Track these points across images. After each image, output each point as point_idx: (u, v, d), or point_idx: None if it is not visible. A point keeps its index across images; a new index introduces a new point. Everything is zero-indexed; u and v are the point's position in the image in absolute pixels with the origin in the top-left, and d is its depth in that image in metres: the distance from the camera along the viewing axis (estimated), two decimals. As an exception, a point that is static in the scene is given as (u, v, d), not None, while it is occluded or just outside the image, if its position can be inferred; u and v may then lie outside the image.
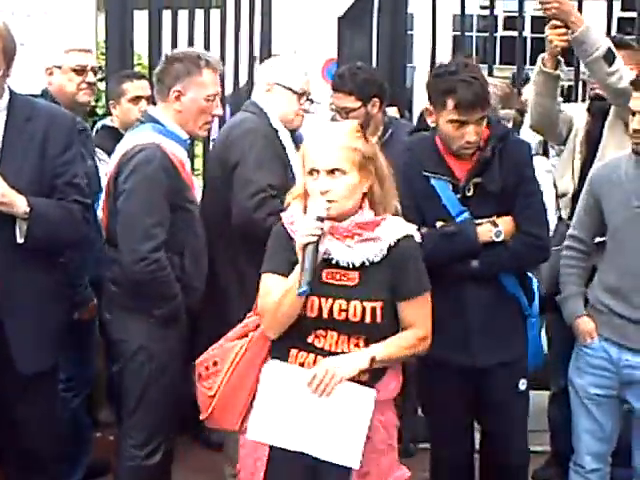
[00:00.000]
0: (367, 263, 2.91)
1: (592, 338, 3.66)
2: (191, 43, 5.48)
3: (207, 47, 5.48)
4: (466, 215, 3.40)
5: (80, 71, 4.22)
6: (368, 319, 2.89)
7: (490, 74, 5.12)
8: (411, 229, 3.01)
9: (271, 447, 2.94)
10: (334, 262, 2.93)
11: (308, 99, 4.15)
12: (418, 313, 3.00)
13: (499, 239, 3.39)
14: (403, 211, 3.38)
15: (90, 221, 3.64)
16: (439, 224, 3.42)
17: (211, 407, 3.05)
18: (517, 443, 3.64)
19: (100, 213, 3.74)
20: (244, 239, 3.85)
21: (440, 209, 3.42)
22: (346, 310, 2.89)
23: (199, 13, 5.60)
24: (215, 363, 3.06)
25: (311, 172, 2.92)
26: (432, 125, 3.48)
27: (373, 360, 2.89)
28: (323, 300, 2.90)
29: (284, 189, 3.63)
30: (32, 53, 4.67)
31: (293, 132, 4.13)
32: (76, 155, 3.42)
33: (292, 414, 2.90)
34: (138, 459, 3.59)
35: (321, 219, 2.84)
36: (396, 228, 2.97)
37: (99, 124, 4.92)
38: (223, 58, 5.49)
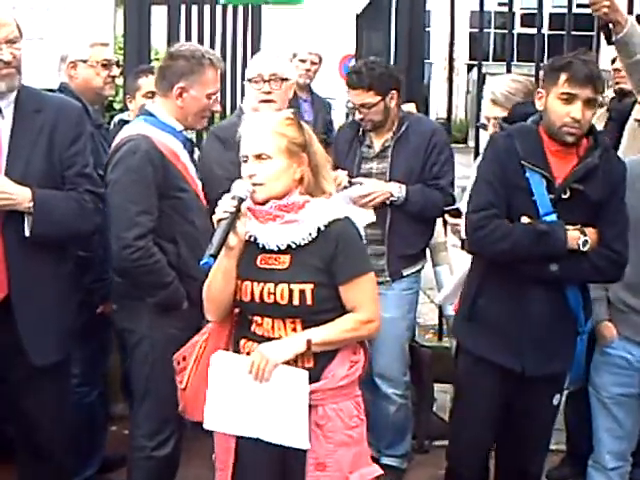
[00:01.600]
0: (293, 246, 2.92)
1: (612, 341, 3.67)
2: (200, 38, 5.52)
3: (213, 43, 5.54)
4: (554, 217, 3.32)
5: (107, 65, 4.26)
6: (296, 301, 2.89)
7: (508, 71, 5.10)
8: (344, 212, 2.97)
9: (237, 437, 2.98)
10: (266, 247, 2.95)
11: (266, 81, 4.11)
12: (359, 296, 2.96)
13: (585, 249, 3.31)
14: (494, 199, 3.35)
15: (101, 210, 3.64)
16: (524, 219, 3.34)
17: (183, 401, 3.13)
18: (535, 455, 3.64)
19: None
20: None
21: (528, 204, 3.33)
22: (274, 293, 2.91)
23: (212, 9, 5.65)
24: (184, 358, 3.13)
25: (243, 158, 2.97)
26: (540, 109, 3.40)
27: (309, 343, 2.88)
28: (255, 284, 2.94)
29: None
30: (51, 47, 4.70)
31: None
32: (86, 145, 3.44)
33: (240, 402, 2.94)
34: (147, 449, 3.60)
35: (240, 199, 2.87)
36: (325, 211, 2.95)
37: (116, 118, 4.93)
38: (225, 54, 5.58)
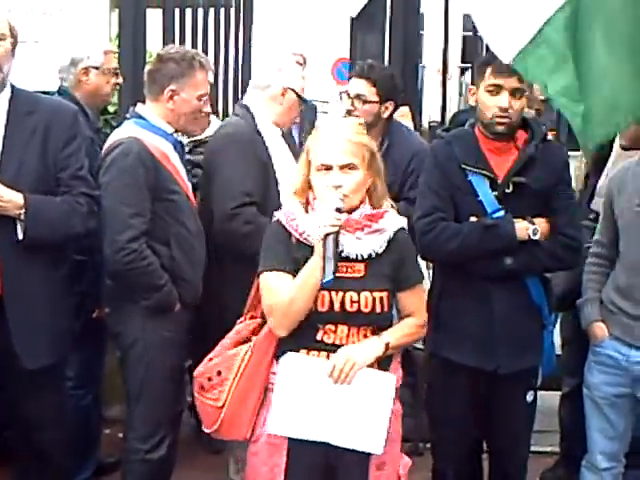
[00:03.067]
0: (373, 254, 2.97)
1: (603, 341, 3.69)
2: (194, 42, 5.56)
3: (206, 47, 5.57)
4: (502, 213, 3.39)
5: (116, 73, 4.31)
6: (378, 309, 2.95)
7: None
8: (404, 222, 3.10)
9: (288, 453, 2.95)
10: (342, 255, 2.95)
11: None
12: (417, 302, 3.11)
13: (535, 237, 3.37)
14: (438, 203, 3.42)
15: (96, 213, 3.59)
16: (472, 219, 3.40)
17: (220, 419, 3.03)
18: (515, 455, 3.66)
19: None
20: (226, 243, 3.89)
21: (475, 205, 3.41)
22: (357, 302, 2.93)
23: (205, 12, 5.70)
24: (219, 373, 3.05)
25: (321, 168, 2.95)
26: (473, 105, 3.51)
27: (387, 346, 2.96)
28: (333, 293, 2.93)
29: (262, 194, 3.73)
30: (46, 50, 4.71)
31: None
32: (81, 147, 3.43)
33: (313, 405, 2.92)
34: (141, 452, 3.61)
35: (339, 210, 2.89)
36: (395, 220, 3.05)
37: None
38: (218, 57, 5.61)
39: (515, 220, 3.37)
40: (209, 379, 3.06)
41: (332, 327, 2.96)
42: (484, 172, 3.40)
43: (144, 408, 3.61)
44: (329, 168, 2.94)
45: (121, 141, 3.54)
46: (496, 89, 3.36)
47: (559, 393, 4.52)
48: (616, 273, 3.69)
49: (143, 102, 3.75)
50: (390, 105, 4.22)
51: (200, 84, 3.68)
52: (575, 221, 3.51)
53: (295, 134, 5.76)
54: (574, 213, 3.52)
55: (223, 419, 3.03)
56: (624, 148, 3.76)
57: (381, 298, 2.96)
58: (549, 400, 4.36)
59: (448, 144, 3.52)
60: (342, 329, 2.96)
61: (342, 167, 2.93)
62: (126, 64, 5.09)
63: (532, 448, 3.76)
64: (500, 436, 3.62)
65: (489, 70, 3.37)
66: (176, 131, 3.72)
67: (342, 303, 2.93)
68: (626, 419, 3.72)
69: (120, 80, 4.36)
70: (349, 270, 2.96)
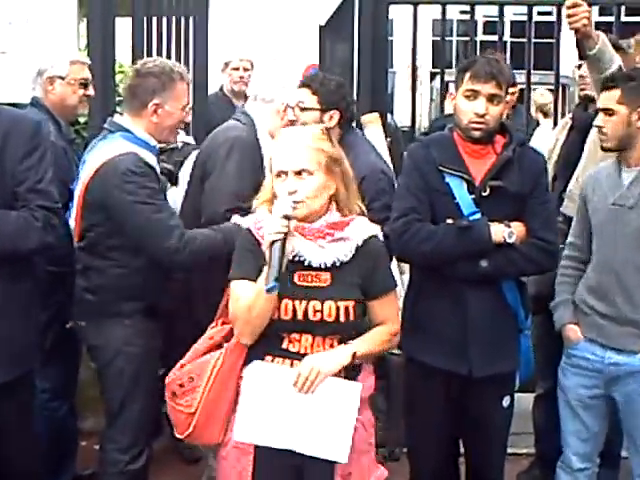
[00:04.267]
0: (338, 263, 2.97)
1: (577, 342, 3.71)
2: (168, 51, 5.54)
3: (170, 55, 5.56)
4: (478, 216, 3.40)
5: (85, 84, 4.26)
6: (342, 318, 2.94)
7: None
8: (376, 229, 3.09)
9: (255, 457, 2.95)
10: (306, 264, 2.96)
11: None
12: (389, 310, 3.10)
13: (511, 240, 3.38)
14: (415, 205, 3.42)
15: (57, 226, 3.42)
16: (448, 221, 3.41)
17: (192, 425, 3.03)
18: (492, 459, 3.67)
19: (72, 223, 3.67)
20: None
21: (452, 207, 3.41)
22: (321, 311, 2.93)
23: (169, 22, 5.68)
24: (191, 379, 3.05)
25: (279, 174, 2.97)
26: (452, 111, 3.51)
27: (354, 356, 2.95)
28: (297, 302, 2.93)
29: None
30: (14, 61, 4.68)
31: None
32: (42, 160, 3.29)
33: (278, 413, 2.92)
34: (122, 464, 3.61)
35: (287, 217, 2.87)
36: (363, 228, 3.04)
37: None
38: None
39: (491, 223, 3.38)
40: (181, 385, 3.06)
41: (297, 336, 2.96)
42: (461, 174, 3.41)
43: (126, 419, 3.60)
44: (285, 174, 2.95)
45: (121, 158, 3.50)
46: (473, 94, 3.38)
47: (534, 395, 4.54)
48: (587, 274, 3.71)
49: (114, 112, 3.74)
50: (335, 114, 4.06)
51: (182, 95, 3.69)
52: (552, 225, 3.52)
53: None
54: (551, 217, 3.53)
55: (195, 425, 3.03)
56: (608, 150, 3.69)
57: (346, 307, 2.95)
58: (524, 402, 4.38)
59: (426, 147, 3.53)
60: (306, 338, 2.96)
61: (296, 173, 2.94)
62: (95, 74, 5.07)
63: (508, 450, 3.77)
64: (476, 440, 3.63)
65: (467, 75, 3.39)
66: (159, 142, 3.73)
67: (305, 312, 2.93)
68: (601, 420, 3.74)
69: (91, 92, 4.31)
70: (314, 279, 2.96)
